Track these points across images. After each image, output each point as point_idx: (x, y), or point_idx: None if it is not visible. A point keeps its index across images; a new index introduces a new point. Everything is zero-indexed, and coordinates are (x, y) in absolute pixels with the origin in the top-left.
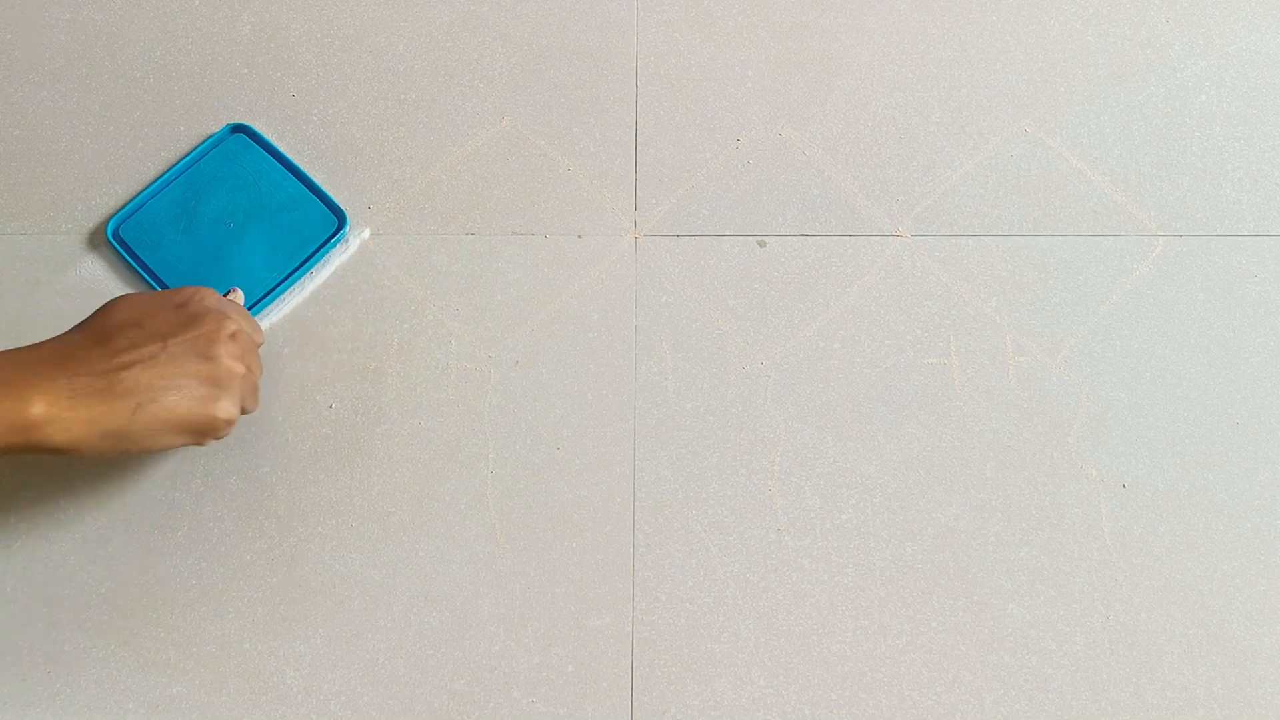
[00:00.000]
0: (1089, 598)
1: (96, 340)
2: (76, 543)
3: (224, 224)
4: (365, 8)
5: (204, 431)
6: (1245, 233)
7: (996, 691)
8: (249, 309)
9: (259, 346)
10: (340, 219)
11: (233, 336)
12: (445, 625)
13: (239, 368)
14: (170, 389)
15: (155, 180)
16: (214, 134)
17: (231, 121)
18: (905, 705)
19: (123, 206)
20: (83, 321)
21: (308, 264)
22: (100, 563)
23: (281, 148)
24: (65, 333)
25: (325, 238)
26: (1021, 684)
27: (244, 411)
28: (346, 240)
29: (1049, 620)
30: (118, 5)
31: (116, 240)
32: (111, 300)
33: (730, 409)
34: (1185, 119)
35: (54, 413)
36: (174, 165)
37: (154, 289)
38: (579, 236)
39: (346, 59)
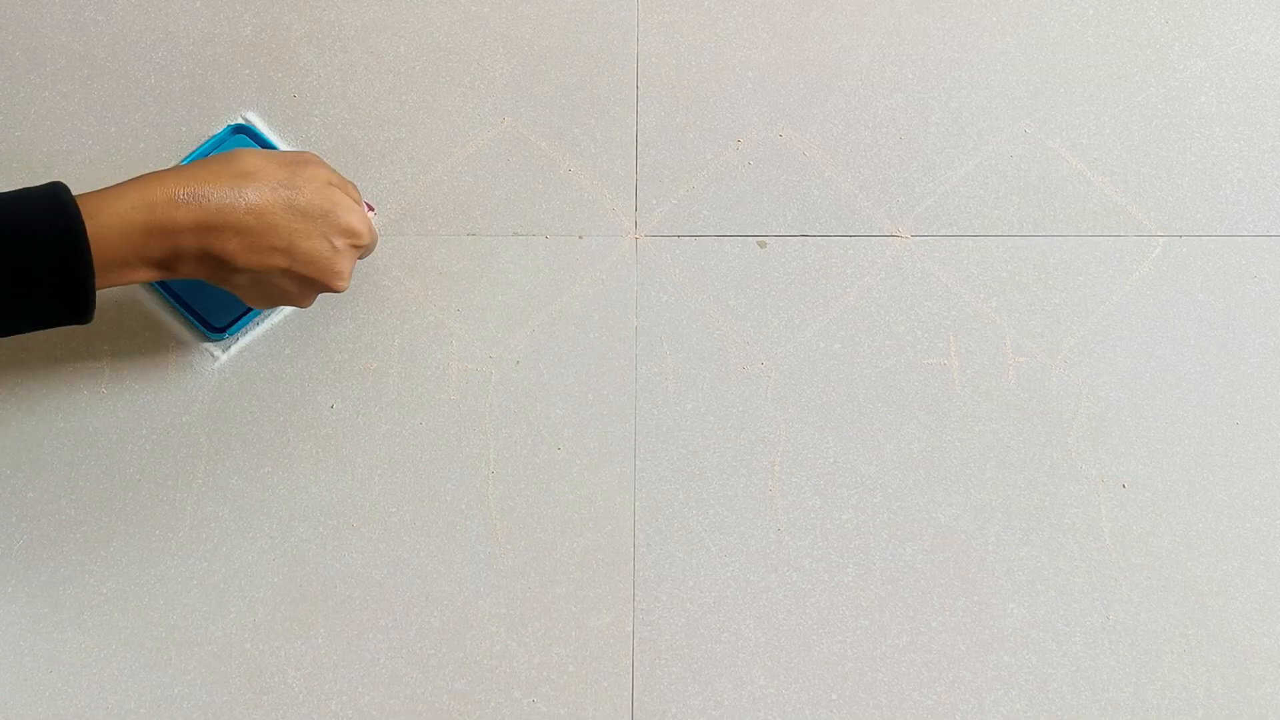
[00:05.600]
0: (1089, 598)
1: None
2: (76, 543)
3: None
4: (366, 8)
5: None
6: (1245, 233)
7: (996, 691)
8: (249, 310)
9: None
10: None
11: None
12: (445, 625)
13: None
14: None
15: None
16: (215, 134)
17: (232, 122)
18: (905, 705)
19: None
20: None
21: None
22: (100, 563)
23: (283, 148)
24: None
25: None
26: (1021, 684)
27: (334, 288)
28: None
29: (1049, 620)
30: (119, 5)
31: None
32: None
33: (730, 409)
34: (1185, 119)
35: (180, 189)
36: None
37: (156, 289)
38: (580, 237)
39: (347, 60)
